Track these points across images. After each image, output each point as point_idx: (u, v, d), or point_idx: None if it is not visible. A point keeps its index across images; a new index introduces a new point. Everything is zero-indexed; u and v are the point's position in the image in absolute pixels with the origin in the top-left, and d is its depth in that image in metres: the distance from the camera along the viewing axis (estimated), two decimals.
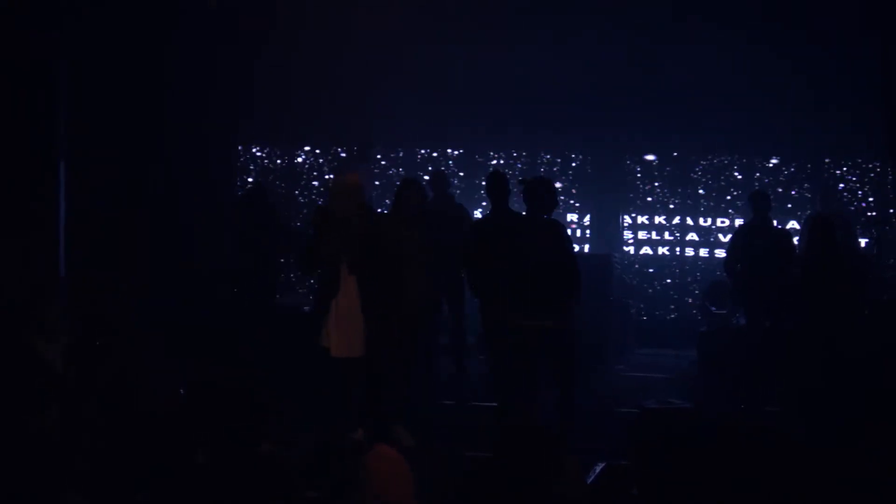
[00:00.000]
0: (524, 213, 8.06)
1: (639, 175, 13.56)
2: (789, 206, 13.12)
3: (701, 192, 13.44)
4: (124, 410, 6.16)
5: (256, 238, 10.93)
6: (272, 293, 11.52)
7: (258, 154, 13.74)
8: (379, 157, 13.58)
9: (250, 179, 13.53)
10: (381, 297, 7.27)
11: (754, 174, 13.38)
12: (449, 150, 13.68)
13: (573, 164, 13.67)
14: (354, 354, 7.36)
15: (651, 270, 13.50)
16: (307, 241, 7.52)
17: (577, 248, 13.18)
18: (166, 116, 11.34)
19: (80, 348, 7.06)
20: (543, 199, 7.70)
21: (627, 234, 13.53)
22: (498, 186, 8.22)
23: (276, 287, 11.83)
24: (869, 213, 12.85)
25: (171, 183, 11.37)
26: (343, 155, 13.51)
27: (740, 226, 11.01)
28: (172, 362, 8.40)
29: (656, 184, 13.53)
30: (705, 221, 13.44)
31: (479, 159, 13.65)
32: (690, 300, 13.21)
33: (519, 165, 13.53)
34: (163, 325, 10.27)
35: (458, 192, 12.92)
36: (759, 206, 10.07)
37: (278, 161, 13.75)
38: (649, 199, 13.54)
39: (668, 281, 13.47)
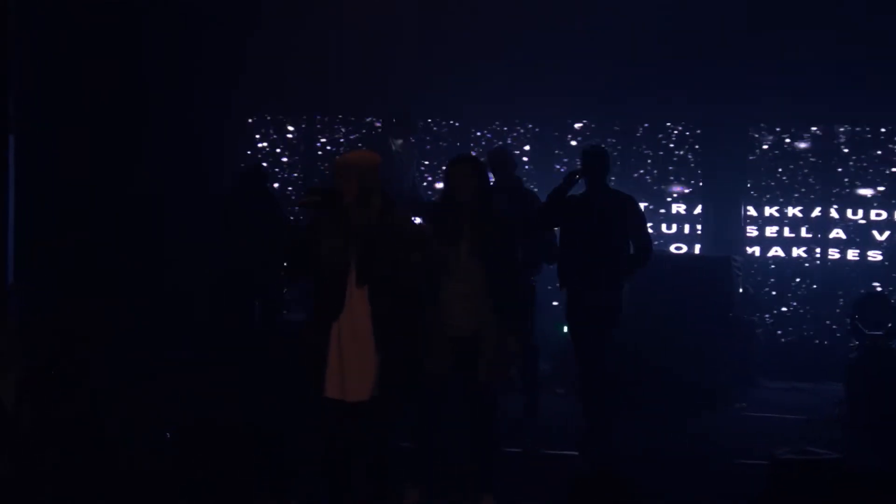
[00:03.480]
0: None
1: (766, 151, 13.49)
2: None
3: (851, 174, 13.37)
4: (95, 462, 6.22)
5: (252, 235, 10.94)
6: (277, 307, 11.55)
7: (267, 129, 13.90)
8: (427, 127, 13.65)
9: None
10: (399, 322, 6.99)
11: None
12: (519, 124, 13.78)
13: (680, 138, 13.63)
14: (357, 397, 6.90)
15: (782, 278, 13.45)
16: (296, 232, 7.07)
17: (685, 248, 13.31)
18: (146, 81, 11.47)
19: (38, 380, 7.10)
20: None
21: (751, 231, 13.49)
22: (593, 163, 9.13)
23: (281, 299, 11.81)
24: None
25: (152, 164, 11.48)
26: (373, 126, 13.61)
27: None
28: (157, 399, 8.55)
29: (790, 164, 13.46)
30: (855, 214, 13.32)
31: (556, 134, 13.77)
32: (834, 323, 13.15)
33: (610, 139, 13.55)
34: (144, 351, 10.41)
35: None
36: None
37: (290, 136, 13.90)
38: (780, 183, 13.48)
39: (806, 292, 13.41)
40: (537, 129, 13.71)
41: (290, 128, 13.79)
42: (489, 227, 7.46)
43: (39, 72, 11.24)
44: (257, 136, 13.77)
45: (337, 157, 7.53)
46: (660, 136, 13.61)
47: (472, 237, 7.41)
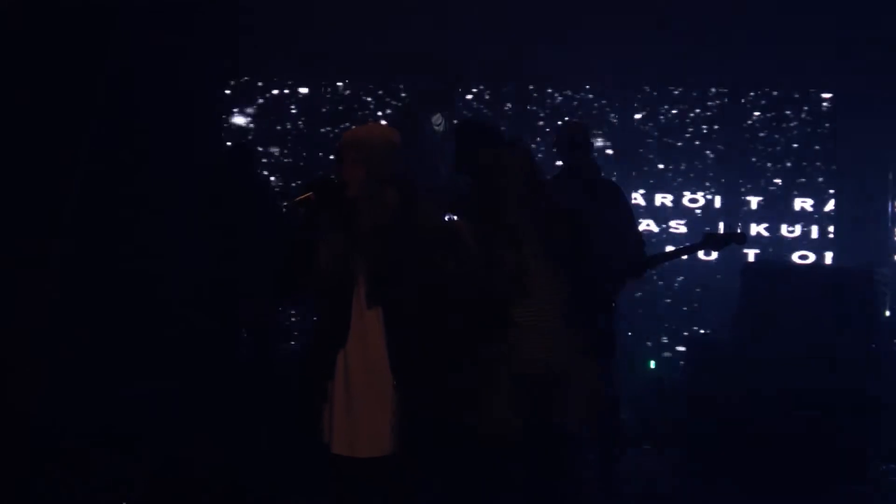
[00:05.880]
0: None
1: None
2: None
3: None
4: None
5: (247, 237, 11.00)
6: (271, 334, 11.72)
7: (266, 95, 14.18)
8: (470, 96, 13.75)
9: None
10: (426, 354, 6.89)
11: None
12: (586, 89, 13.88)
13: (806, 110, 13.61)
14: (370, 453, 6.86)
15: None
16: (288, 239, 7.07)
17: (812, 257, 13.68)
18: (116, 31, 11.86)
19: None
20: None
21: None
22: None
23: (275, 324, 12.03)
24: None
25: (112, 136, 11.82)
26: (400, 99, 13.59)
27: None
28: (119, 442, 8.49)
29: None
30: None
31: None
32: None
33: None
34: (104, 383, 10.38)
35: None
36: None
37: (293, 106, 14.13)
38: None
39: None
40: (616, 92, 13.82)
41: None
42: (558, 219, 7.43)
43: None
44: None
45: (344, 133, 7.54)
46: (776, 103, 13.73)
47: (539, 235, 7.32)
